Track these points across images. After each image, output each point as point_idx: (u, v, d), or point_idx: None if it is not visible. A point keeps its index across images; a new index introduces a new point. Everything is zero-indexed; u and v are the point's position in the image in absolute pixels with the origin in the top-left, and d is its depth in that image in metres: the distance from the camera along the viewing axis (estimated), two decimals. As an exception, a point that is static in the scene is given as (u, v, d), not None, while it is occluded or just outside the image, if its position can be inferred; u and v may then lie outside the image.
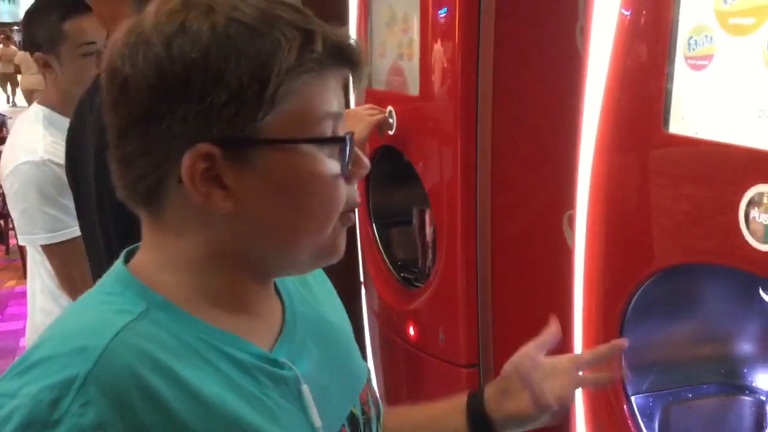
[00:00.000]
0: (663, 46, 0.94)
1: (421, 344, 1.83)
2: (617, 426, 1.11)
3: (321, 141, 0.65)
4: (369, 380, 0.82)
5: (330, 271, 2.17)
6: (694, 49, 0.90)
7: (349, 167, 0.66)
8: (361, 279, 2.20)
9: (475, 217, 1.62)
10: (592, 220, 1.16)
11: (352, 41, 0.67)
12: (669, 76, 0.94)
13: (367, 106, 1.78)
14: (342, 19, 1.95)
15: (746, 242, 0.84)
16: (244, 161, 0.62)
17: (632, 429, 1.09)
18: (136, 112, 0.62)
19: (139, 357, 0.59)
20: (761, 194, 0.83)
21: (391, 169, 1.96)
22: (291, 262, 0.69)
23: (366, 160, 0.69)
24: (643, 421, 1.10)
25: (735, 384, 1.15)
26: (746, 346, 1.15)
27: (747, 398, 1.13)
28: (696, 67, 0.90)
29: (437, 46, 1.58)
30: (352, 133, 0.68)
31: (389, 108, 1.78)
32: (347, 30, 0.71)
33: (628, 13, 1.01)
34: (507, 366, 0.89)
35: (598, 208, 1.14)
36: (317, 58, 0.63)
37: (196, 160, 0.61)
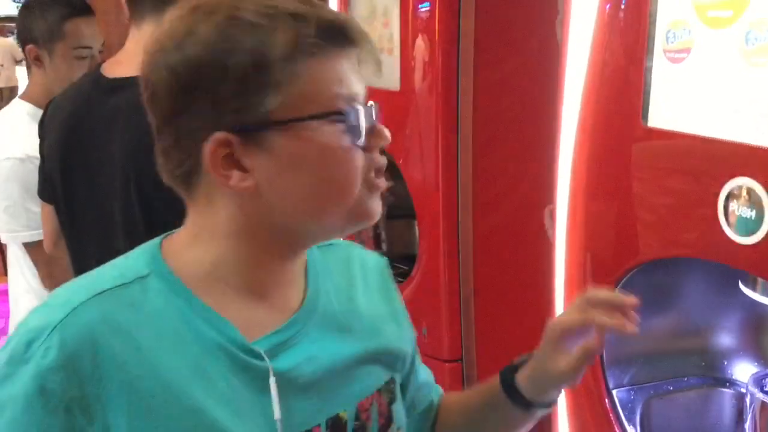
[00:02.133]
0: (642, 40, 0.94)
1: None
2: (599, 420, 1.12)
3: (318, 116, 0.68)
4: (385, 391, 0.81)
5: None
6: (672, 42, 0.90)
7: (365, 139, 0.70)
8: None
9: (456, 211, 1.62)
10: (573, 214, 1.16)
11: (345, 21, 0.71)
12: (648, 70, 0.93)
13: None
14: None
15: (725, 235, 0.84)
16: (258, 144, 0.68)
17: (614, 422, 1.09)
18: (164, 111, 0.70)
19: (104, 319, 0.67)
20: (740, 187, 0.83)
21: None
22: (320, 228, 0.74)
23: (385, 132, 0.73)
24: (624, 415, 1.10)
25: (716, 376, 1.16)
26: (727, 339, 1.16)
27: (727, 391, 1.13)
28: (674, 60, 0.90)
29: (418, 41, 1.57)
30: (369, 106, 0.72)
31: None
32: (344, 12, 0.73)
33: (607, 6, 1.01)
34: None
35: (578, 202, 1.14)
36: (313, 42, 0.68)
37: (214, 148, 0.68)
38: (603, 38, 1.02)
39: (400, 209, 1.89)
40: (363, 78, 0.72)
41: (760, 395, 0.90)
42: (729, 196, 0.84)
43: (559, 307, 1.21)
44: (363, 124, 0.70)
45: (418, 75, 1.58)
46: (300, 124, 0.68)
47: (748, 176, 0.81)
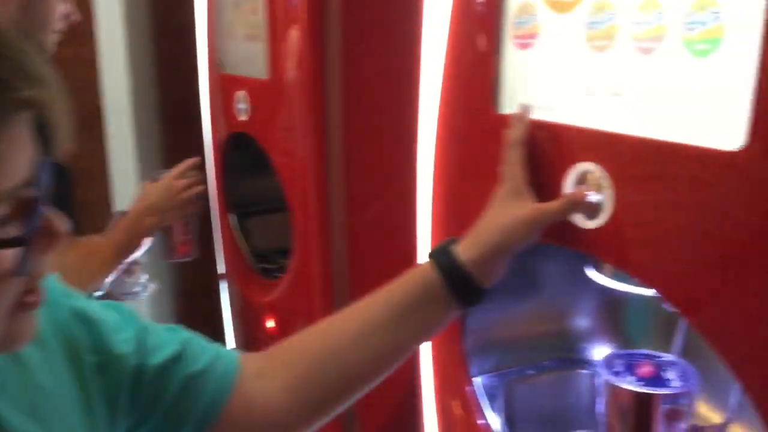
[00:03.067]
0: (493, 26, 0.94)
1: (281, 336, 1.78)
2: (463, 407, 1.12)
3: None
4: None
5: (187, 266, 2.07)
6: (520, 28, 0.90)
7: (30, 247, 0.50)
8: (220, 272, 2.13)
9: (330, 204, 1.59)
10: (436, 205, 1.16)
11: (46, 71, 0.49)
12: (498, 57, 0.94)
13: (180, 171, 1.58)
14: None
15: (571, 220, 0.86)
16: None
17: (476, 409, 1.10)
18: None
19: None
20: (585, 173, 0.84)
21: (246, 156, 1.90)
22: None
23: (60, 229, 0.53)
24: (486, 401, 1.11)
25: (573, 358, 1.19)
26: (584, 322, 1.19)
27: (585, 372, 1.16)
28: (522, 46, 0.91)
29: (284, 29, 1.53)
30: (39, 193, 0.50)
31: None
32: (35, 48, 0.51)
33: (462, -7, 1.01)
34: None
35: (439, 191, 1.14)
36: None
37: None
38: (457, 26, 1.01)
39: (276, 202, 1.86)
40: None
41: (608, 376, 0.92)
42: (575, 182, 0.85)
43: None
44: (31, 231, 0.50)
45: (286, 64, 1.54)
46: None
47: (591, 161, 0.83)
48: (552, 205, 0.83)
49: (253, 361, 0.80)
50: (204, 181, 1.60)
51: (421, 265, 0.83)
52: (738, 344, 0.68)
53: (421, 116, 1.17)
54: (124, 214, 1.52)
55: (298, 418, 0.78)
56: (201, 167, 1.61)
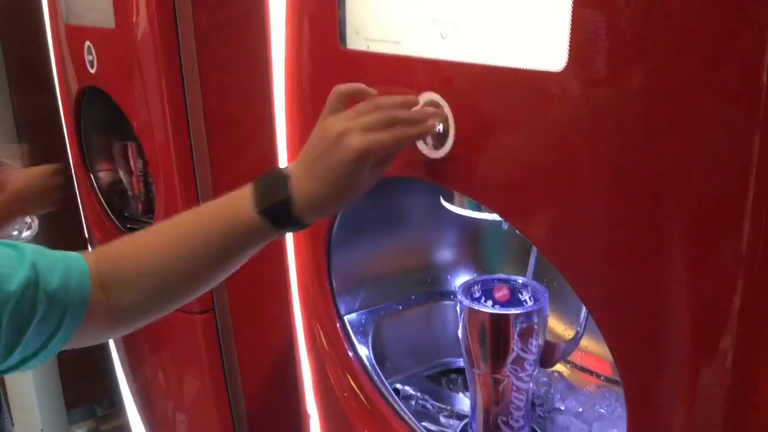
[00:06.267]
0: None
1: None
2: (333, 346, 1.13)
3: None
4: None
5: (54, 234, 1.96)
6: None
7: None
8: (86, 236, 2.04)
9: (191, 156, 1.54)
10: (291, 146, 1.15)
11: None
12: (340, -9, 0.92)
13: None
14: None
15: (419, 151, 0.87)
16: None
17: (347, 347, 1.11)
18: None
19: None
20: (428, 102, 0.85)
21: (102, 112, 1.80)
22: None
23: None
24: (357, 338, 1.12)
25: (440, 291, 1.22)
26: (447, 254, 1.23)
27: (450, 303, 1.20)
28: (363, -20, 0.90)
29: (128, -27, 1.44)
30: None
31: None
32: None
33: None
34: None
35: (295, 133, 1.12)
36: None
37: None
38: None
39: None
40: None
41: (466, 302, 0.95)
42: (422, 113, 0.86)
43: (290, 243, 1.20)
44: None
45: (131, 13, 1.46)
46: None
47: (434, 91, 0.84)
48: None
49: (95, 268, 0.81)
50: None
51: (243, 194, 0.83)
52: (572, 256, 0.72)
53: (275, 61, 1.14)
54: None
55: (141, 320, 0.85)
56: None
